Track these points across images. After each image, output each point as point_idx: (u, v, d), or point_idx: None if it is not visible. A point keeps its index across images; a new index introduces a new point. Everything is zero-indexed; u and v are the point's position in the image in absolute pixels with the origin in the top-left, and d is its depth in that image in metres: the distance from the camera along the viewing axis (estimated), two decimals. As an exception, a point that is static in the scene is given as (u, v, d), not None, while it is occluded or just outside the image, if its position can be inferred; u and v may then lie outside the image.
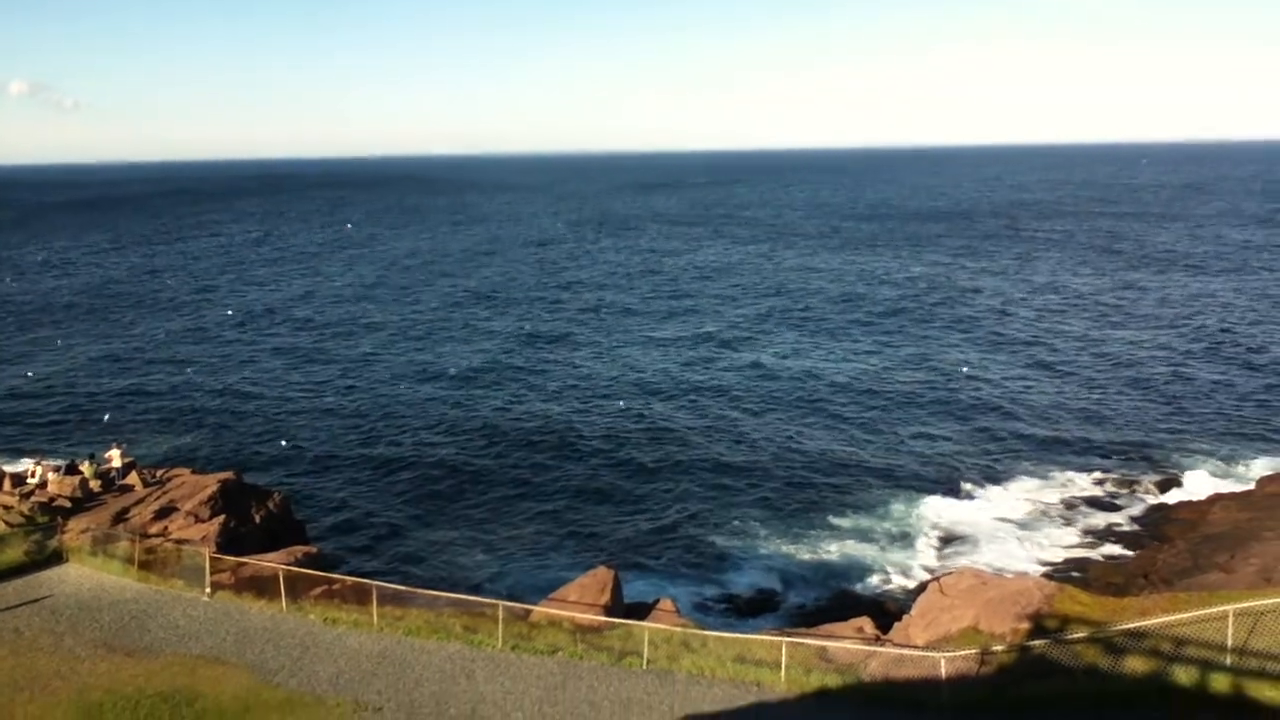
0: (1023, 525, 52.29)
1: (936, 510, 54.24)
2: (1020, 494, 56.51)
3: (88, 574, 31.46)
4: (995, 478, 58.89)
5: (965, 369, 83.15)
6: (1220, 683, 21.47)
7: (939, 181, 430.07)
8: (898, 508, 54.79)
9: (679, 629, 28.07)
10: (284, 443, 68.08)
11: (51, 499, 38.77)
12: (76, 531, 34.69)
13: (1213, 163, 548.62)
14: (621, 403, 76.03)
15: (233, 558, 31.97)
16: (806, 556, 49.39)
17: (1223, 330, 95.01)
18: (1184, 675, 21.93)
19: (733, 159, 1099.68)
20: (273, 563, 31.38)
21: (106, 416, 72.51)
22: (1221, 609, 23.09)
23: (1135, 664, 22.60)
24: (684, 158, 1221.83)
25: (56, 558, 32.59)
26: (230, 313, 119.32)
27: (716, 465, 62.29)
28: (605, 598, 32.20)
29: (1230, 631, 22.18)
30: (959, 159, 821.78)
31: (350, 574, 34.89)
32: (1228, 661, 21.91)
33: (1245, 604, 23.31)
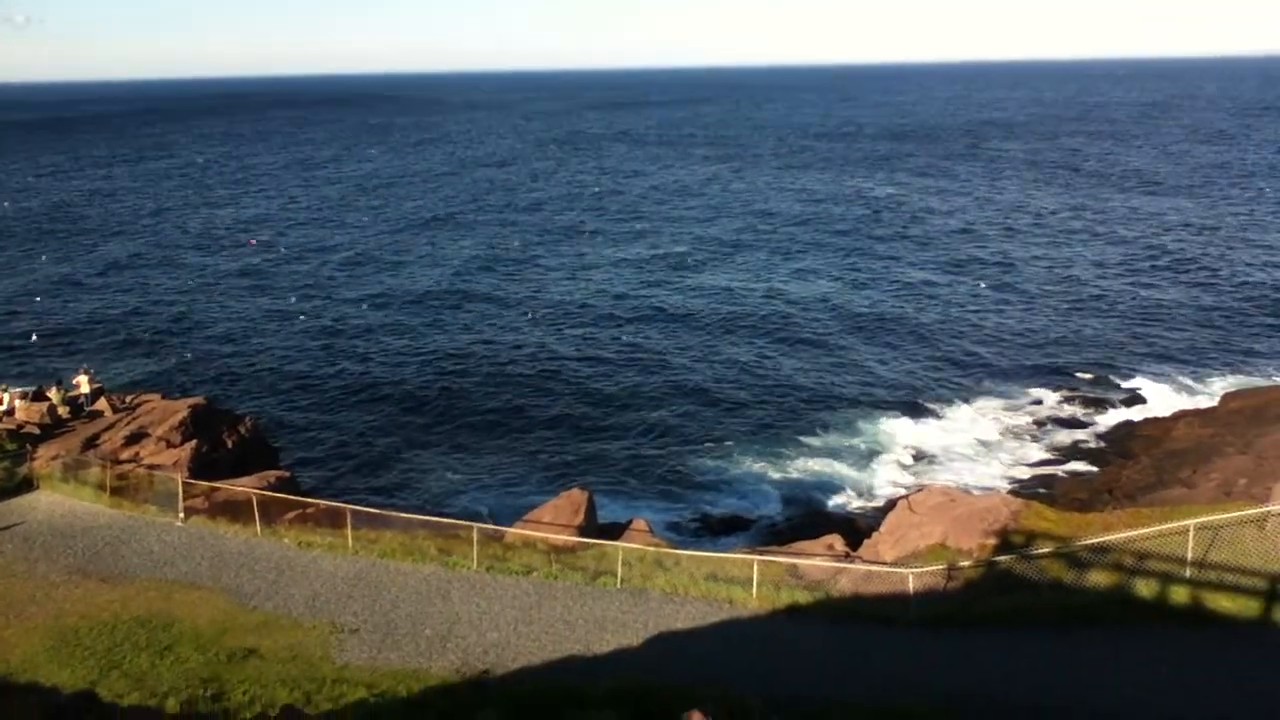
0: (990, 443, 53.14)
1: (905, 430, 54.94)
2: (987, 413, 57.29)
3: (59, 500, 31.31)
4: (963, 397, 59.60)
5: (931, 290, 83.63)
6: (1180, 595, 22.03)
7: (907, 99, 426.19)
8: (867, 427, 55.43)
9: (652, 549, 28.42)
10: (254, 366, 67.67)
11: (19, 426, 38.40)
12: (46, 458, 34.43)
13: (1181, 79, 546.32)
14: (590, 327, 75.99)
15: (205, 483, 31.91)
16: (777, 476, 50.02)
17: (1186, 250, 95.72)
18: (1145, 588, 22.47)
19: (703, 76, 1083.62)
20: (246, 487, 31.35)
21: (62, 338, 71.75)
22: (1182, 524, 23.57)
23: (1098, 578, 23.12)
24: (655, 74, 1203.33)
25: (27, 485, 32.37)
26: (192, 235, 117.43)
27: (687, 388, 62.58)
28: (579, 519, 32.49)
29: (1190, 545, 22.69)
30: (930, 75, 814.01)
31: (324, 498, 34.96)
32: (1187, 574, 22.45)
33: (1205, 518, 23.80)
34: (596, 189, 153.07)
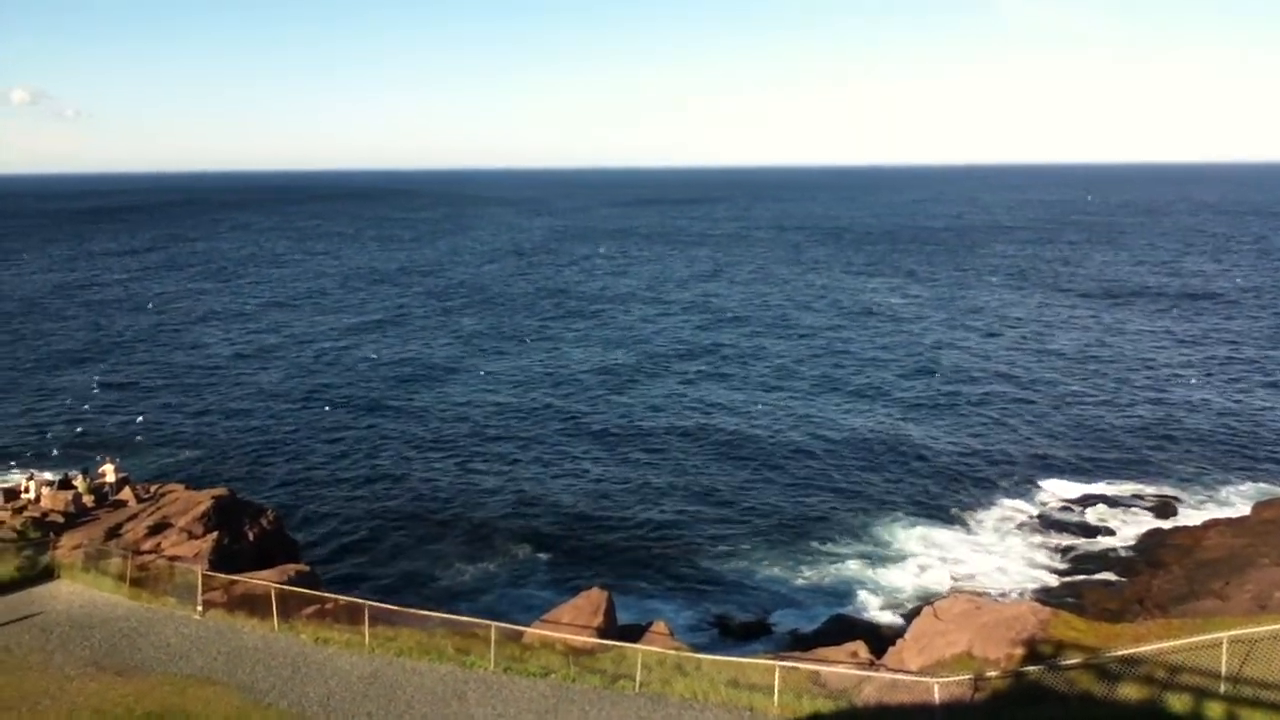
0: (1017, 550, 52.26)
1: (930, 534, 54.19)
2: (1014, 518, 56.50)
3: (79, 590, 31.27)
4: (989, 502, 58.88)
5: (957, 393, 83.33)
6: (1214, 711, 21.37)
7: (904, 199, 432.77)
8: (891, 531, 54.74)
9: (672, 652, 27.94)
10: (279, 459, 67.99)
11: (45, 514, 38.64)
12: (69, 547, 34.54)
13: (1183, 184, 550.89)
14: (611, 423, 76.05)
15: (225, 575, 31.81)
16: (800, 580, 49.30)
17: (1216, 359, 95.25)
18: (1178, 703, 21.83)
19: (718, 175, 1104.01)
20: (265, 581, 31.23)
21: (90, 427, 72.48)
22: (1216, 636, 23.00)
23: (1129, 691, 22.50)
24: (673, 174, 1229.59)
25: (48, 574, 32.39)
26: (219, 325, 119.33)
27: (706, 486, 62.25)
28: (598, 619, 32.07)
29: (1225, 659, 22.10)
30: (945, 179, 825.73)
31: (342, 592, 34.73)
32: (1222, 689, 21.82)
33: (1240, 631, 23.23)
34: (614, 282, 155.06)
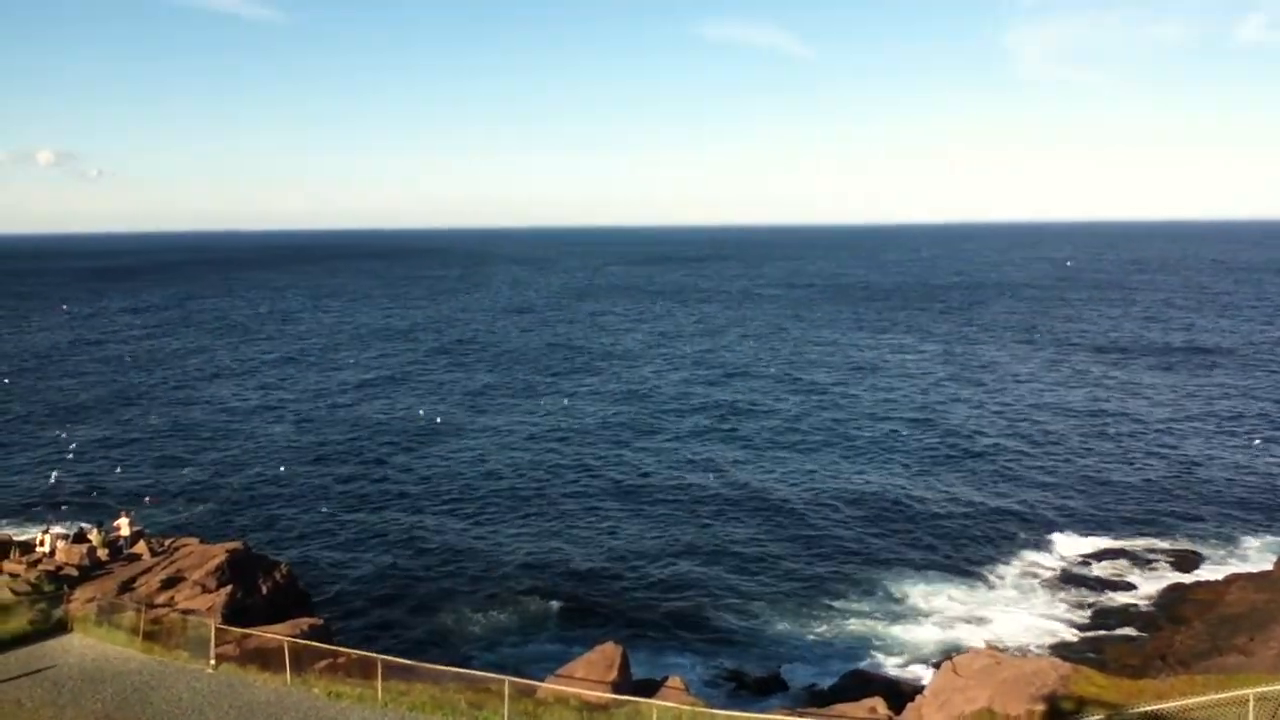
0: (1036, 605, 51.59)
1: (947, 590, 53.57)
2: (1034, 573, 55.86)
3: (92, 644, 31.17)
4: (1008, 557, 58.27)
5: (970, 449, 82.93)
6: (1241, 769, 20.98)
7: (940, 255, 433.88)
8: (908, 587, 54.13)
9: (687, 707, 27.59)
10: (292, 513, 67.97)
11: (59, 567, 38.63)
12: (82, 600, 34.49)
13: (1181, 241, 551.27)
14: (622, 478, 75.87)
15: (238, 629, 31.69)
16: (816, 635, 48.73)
17: (1229, 414, 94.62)
18: (1203, 761, 21.45)
19: (730, 234, 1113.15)
20: (278, 635, 31.07)
21: (105, 481, 72.56)
22: (1241, 693, 22.58)
23: (1153, 749, 22.13)
24: (683, 233, 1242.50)
25: (61, 627, 32.33)
26: (234, 381, 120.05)
27: (721, 540, 61.84)
28: (613, 674, 31.76)
29: (1251, 716, 21.69)
30: (960, 237, 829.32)
31: (355, 646, 34.48)
32: (1248, 748, 21.42)
33: (1266, 688, 22.82)
34: (624, 338, 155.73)
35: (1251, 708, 21.77)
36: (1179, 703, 23.31)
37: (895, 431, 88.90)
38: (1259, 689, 22.66)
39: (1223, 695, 23.26)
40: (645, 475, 76.20)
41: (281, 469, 78.98)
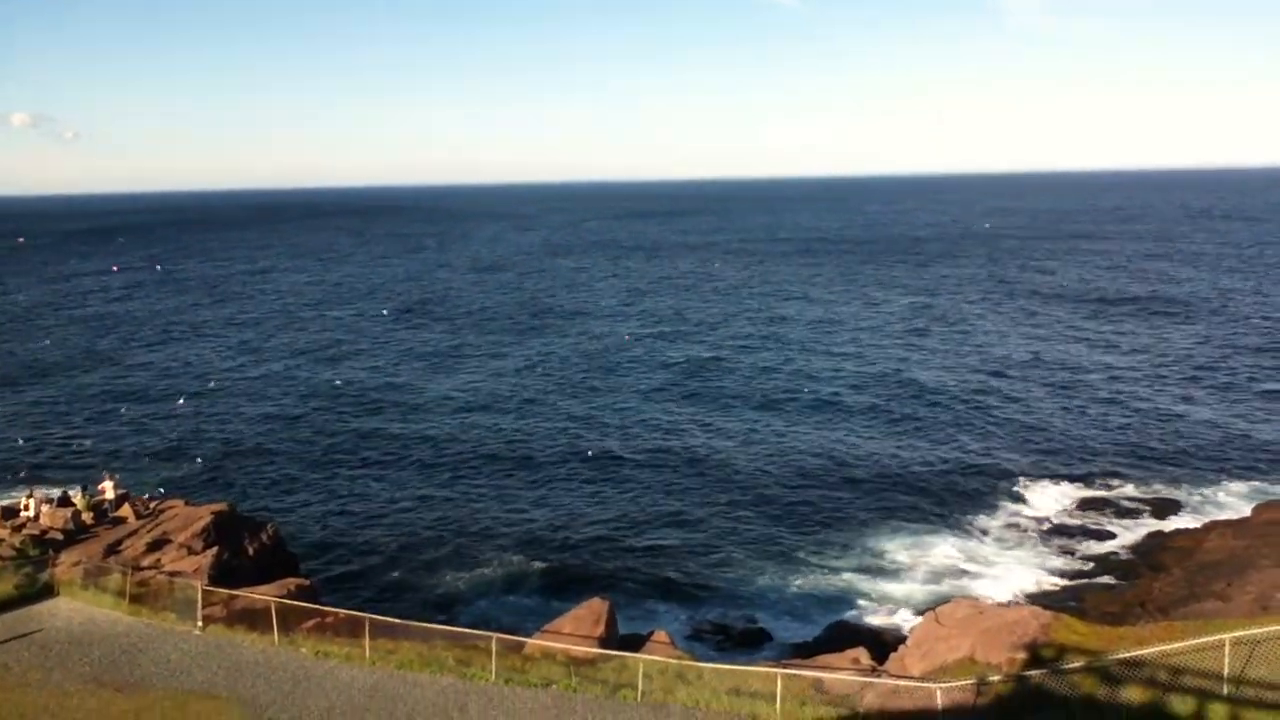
0: (1018, 554, 52.21)
1: (929, 542, 54.12)
2: (1013, 524, 56.47)
3: (79, 608, 31.20)
4: (988, 508, 58.83)
5: (950, 400, 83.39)
6: (1218, 712, 21.36)
7: (898, 210, 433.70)
8: (891, 538, 54.67)
9: (674, 661, 27.89)
10: (277, 473, 67.93)
11: (44, 531, 38.53)
12: (68, 564, 34.46)
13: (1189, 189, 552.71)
14: (607, 437, 76.05)
15: (225, 590, 31.75)
16: (799, 589, 49.22)
17: (1213, 360, 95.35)
18: (1181, 705, 21.81)
19: (712, 187, 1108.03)
20: (265, 595, 31.18)
21: (89, 443, 72.33)
22: (1218, 637, 23.00)
23: (1132, 694, 22.47)
24: (667, 187, 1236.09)
25: (47, 591, 32.33)
26: (216, 341, 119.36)
27: (706, 496, 62.16)
28: (599, 629, 32.04)
29: (1227, 660, 22.08)
30: (943, 187, 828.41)
31: (342, 606, 34.66)
32: (1225, 691, 21.80)
33: (1242, 632, 23.23)
34: (602, 295, 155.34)
35: (1227, 652, 22.17)
36: (1158, 649, 23.69)
37: (871, 387, 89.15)
38: (1235, 634, 23.07)
39: (1200, 640, 23.68)
40: (629, 434, 76.39)
41: (263, 429, 78.84)
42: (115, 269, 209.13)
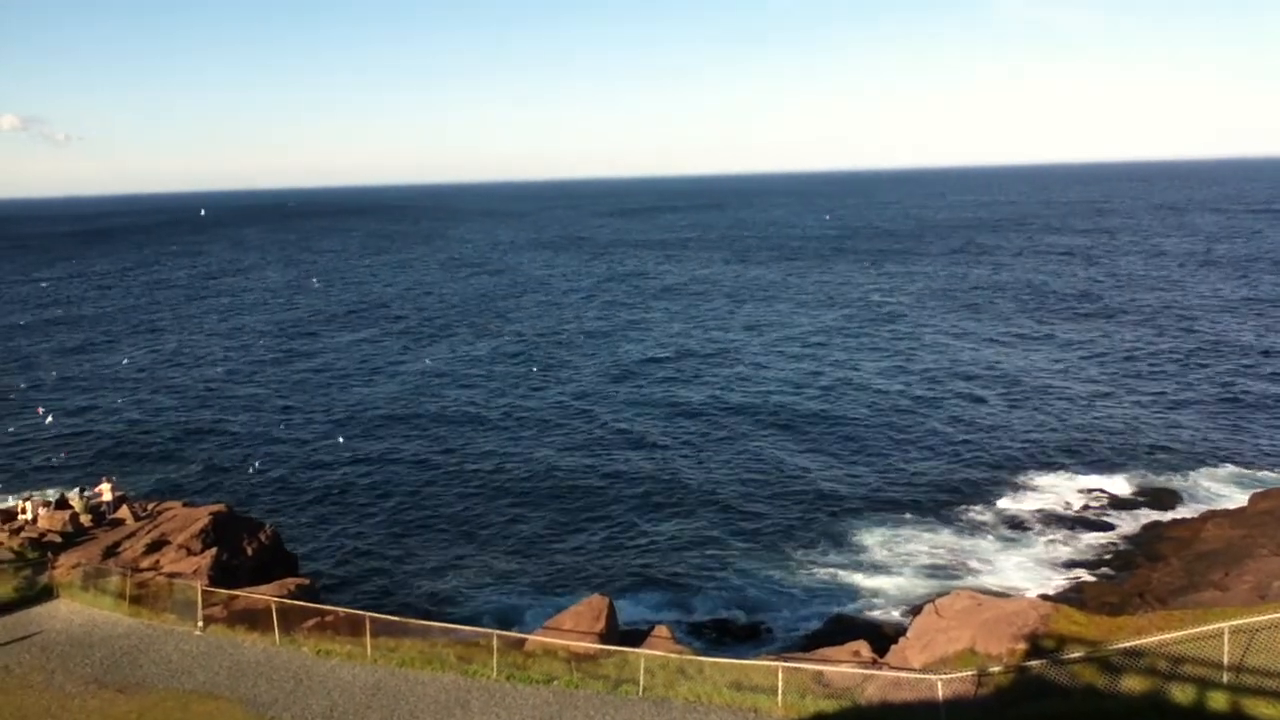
0: (1017, 546, 52.30)
1: (929, 534, 54.23)
2: (1012, 515, 56.56)
3: (79, 609, 31.17)
4: (987, 500, 58.92)
5: (953, 393, 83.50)
6: (1217, 700, 21.42)
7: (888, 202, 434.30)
8: (891, 531, 54.76)
9: (675, 656, 27.91)
10: (274, 473, 67.88)
11: (42, 534, 38.51)
12: (67, 567, 34.42)
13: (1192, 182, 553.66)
14: (608, 430, 76.07)
15: (225, 591, 31.74)
16: (799, 582, 49.28)
17: (1209, 351, 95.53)
18: (1181, 694, 21.88)
19: (708, 184, 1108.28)
20: (265, 595, 31.16)
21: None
22: (1217, 626, 23.06)
23: (1132, 683, 22.54)
24: (662, 183, 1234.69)
25: (47, 593, 32.29)
26: (212, 342, 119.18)
27: (705, 491, 62.21)
28: (600, 625, 32.06)
29: (1226, 649, 22.15)
30: (938, 181, 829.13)
31: (343, 605, 34.66)
32: (1224, 679, 21.87)
33: (1240, 621, 23.30)
34: (601, 290, 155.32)
35: (1226, 640, 22.24)
36: (1156, 638, 23.75)
37: (869, 380, 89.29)
38: (1233, 622, 23.14)
39: (1199, 629, 23.74)
40: (625, 433, 76.38)
41: (263, 431, 78.80)
42: (110, 270, 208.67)
